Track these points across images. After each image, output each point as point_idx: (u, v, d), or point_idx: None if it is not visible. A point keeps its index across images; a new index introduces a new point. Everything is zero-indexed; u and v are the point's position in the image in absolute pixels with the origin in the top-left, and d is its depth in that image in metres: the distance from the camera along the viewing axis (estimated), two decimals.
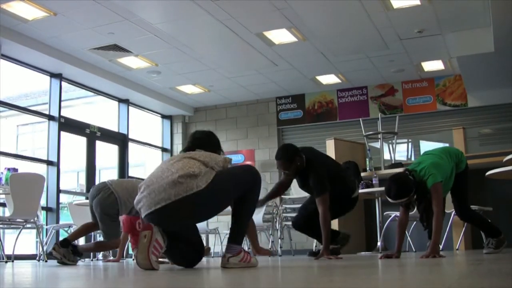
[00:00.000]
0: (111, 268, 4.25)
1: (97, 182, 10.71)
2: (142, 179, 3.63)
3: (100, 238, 7.78)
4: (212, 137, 4.00)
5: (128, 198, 5.35)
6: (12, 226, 7.34)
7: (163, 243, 3.38)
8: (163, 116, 12.63)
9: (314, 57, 9.60)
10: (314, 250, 6.66)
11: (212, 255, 9.13)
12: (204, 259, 4.82)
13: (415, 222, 7.42)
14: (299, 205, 6.43)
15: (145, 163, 13.80)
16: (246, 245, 7.60)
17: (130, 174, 11.22)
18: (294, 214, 7.42)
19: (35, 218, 7.14)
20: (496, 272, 2.51)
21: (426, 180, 4.72)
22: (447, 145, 8.89)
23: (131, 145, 11.38)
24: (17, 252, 7.23)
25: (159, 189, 3.32)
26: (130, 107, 11.39)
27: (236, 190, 3.46)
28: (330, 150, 8.51)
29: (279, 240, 8.88)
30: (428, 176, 4.73)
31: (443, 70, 10.48)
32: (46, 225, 8.78)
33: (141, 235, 3.32)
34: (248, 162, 11.36)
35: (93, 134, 10.56)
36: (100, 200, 5.43)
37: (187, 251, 3.62)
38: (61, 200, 9.47)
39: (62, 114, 9.55)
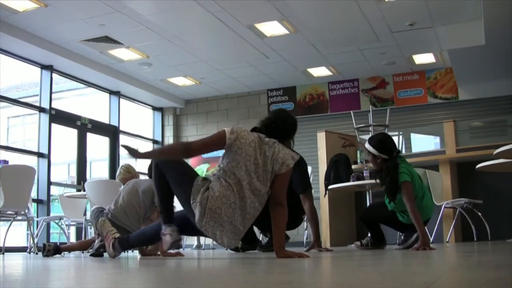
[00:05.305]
0: (105, 260, 4.25)
1: (88, 175, 10.70)
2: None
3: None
4: (283, 130, 3.88)
5: (138, 219, 5.08)
6: (2, 218, 7.33)
7: None
8: (154, 108, 12.60)
9: (305, 50, 9.59)
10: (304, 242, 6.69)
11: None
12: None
13: None
14: None
15: None
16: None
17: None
18: None
19: (26, 210, 7.12)
20: (486, 264, 2.53)
21: (399, 173, 4.80)
22: (437, 138, 8.90)
23: (122, 137, 11.35)
24: (7, 245, 7.22)
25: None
26: (121, 99, 11.35)
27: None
28: (321, 142, 8.52)
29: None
30: (401, 172, 4.81)
31: (434, 63, 10.50)
32: (37, 217, 8.77)
33: None
34: None
35: (84, 126, 10.52)
36: None
37: None
38: (52, 192, 9.45)
39: (53, 106, 9.51)
